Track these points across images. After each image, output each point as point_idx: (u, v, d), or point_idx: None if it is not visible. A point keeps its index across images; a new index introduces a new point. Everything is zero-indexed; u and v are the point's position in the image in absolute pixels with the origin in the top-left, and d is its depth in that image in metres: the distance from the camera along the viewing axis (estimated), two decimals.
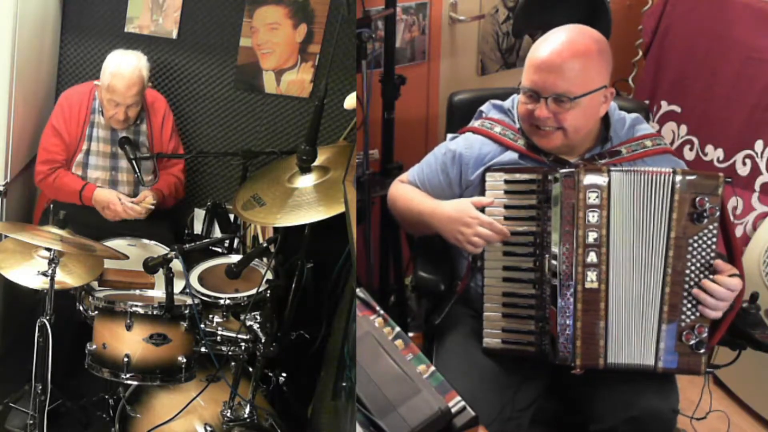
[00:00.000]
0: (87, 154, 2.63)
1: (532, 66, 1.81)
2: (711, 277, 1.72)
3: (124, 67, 2.50)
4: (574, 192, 1.73)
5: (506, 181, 1.86)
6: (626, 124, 1.95)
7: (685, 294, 1.73)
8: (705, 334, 1.73)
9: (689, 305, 1.74)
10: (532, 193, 1.83)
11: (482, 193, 1.90)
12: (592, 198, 1.73)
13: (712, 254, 1.73)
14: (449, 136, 2.07)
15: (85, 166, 2.64)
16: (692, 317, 1.73)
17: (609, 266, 1.74)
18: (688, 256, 1.73)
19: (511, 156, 1.92)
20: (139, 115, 2.63)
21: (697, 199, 1.70)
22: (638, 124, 1.97)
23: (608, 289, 1.74)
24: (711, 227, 1.71)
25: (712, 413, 2.19)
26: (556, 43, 1.78)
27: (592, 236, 1.73)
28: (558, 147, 1.87)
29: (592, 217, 1.73)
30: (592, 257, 1.73)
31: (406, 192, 2.09)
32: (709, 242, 1.72)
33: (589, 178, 1.73)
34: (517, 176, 1.86)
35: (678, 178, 1.72)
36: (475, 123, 2.03)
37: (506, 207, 1.85)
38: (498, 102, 2.05)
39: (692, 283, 1.73)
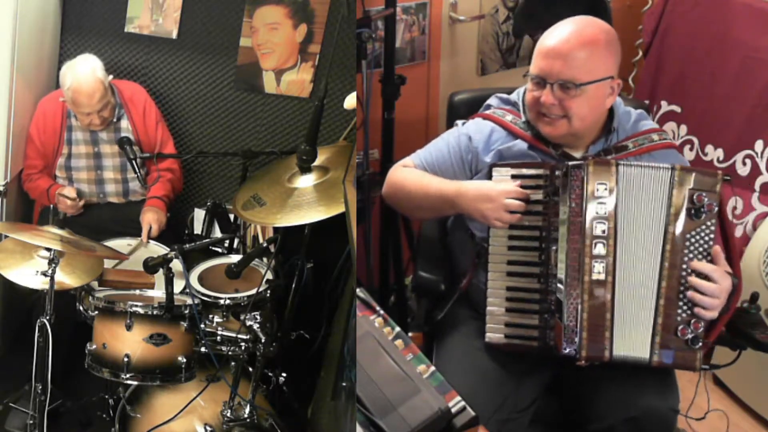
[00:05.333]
0: (68, 157, 2.65)
1: (540, 53, 1.82)
2: (699, 266, 1.73)
3: (80, 79, 2.49)
4: (583, 184, 1.74)
5: (513, 176, 1.86)
6: (632, 119, 1.96)
7: (681, 288, 1.74)
8: (701, 330, 1.73)
9: (685, 299, 1.74)
10: (539, 188, 1.83)
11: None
12: (601, 190, 1.74)
13: (709, 250, 1.74)
14: (459, 122, 2.07)
15: (68, 169, 2.66)
16: (688, 312, 1.74)
17: (616, 258, 1.74)
18: (685, 251, 1.74)
19: (520, 146, 1.92)
20: (117, 112, 2.63)
21: (695, 195, 1.72)
22: (643, 119, 1.97)
23: (615, 281, 1.75)
24: (708, 223, 1.73)
25: (713, 413, 2.20)
26: (564, 32, 1.80)
27: (600, 228, 1.74)
28: (563, 135, 1.86)
29: (600, 209, 1.74)
30: (599, 249, 1.74)
31: (417, 175, 2.03)
32: (706, 238, 1.73)
33: (597, 171, 1.74)
34: (524, 171, 1.85)
35: (677, 173, 1.73)
36: (486, 111, 2.03)
37: None
38: (504, 95, 2.05)
39: (689, 277, 1.74)
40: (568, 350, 1.76)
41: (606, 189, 1.74)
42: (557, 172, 1.79)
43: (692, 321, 1.73)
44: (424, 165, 2.04)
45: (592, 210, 1.74)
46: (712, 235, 1.73)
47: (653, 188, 1.74)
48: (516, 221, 1.83)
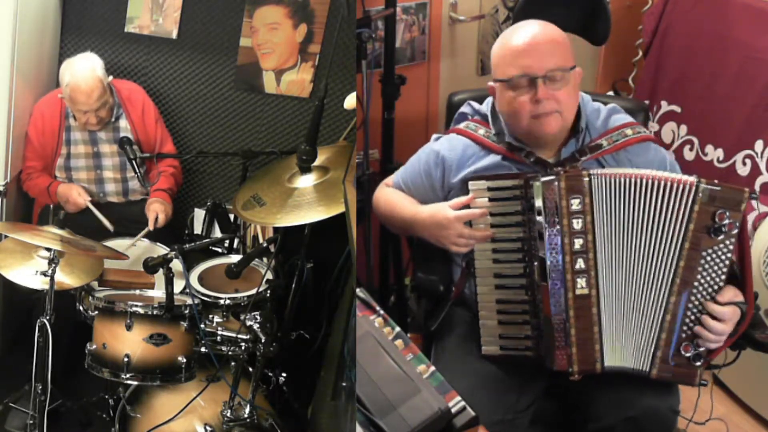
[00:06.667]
0: (68, 158, 2.65)
1: (512, 55, 1.80)
2: (710, 307, 1.71)
3: (78, 77, 2.48)
4: (556, 200, 1.71)
5: (489, 189, 1.83)
6: (602, 115, 1.93)
7: (690, 306, 1.72)
8: (703, 348, 1.73)
9: (692, 317, 1.72)
10: (516, 199, 1.80)
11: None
12: (575, 204, 1.71)
13: (724, 269, 1.70)
14: (434, 136, 2.07)
15: (67, 169, 2.66)
16: (693, 329, 1.72)
17: (597, 271, 1.73)
18: (699, 269, 1.70)
19: (493, 159, 1.90)
20: (115, 112, 2.63)
21: (718, 212, 1.67)
22: (615, 114, 1.94)
23: (599, 294, 1.73)
24: (727, 242, 1.68)
25: (714, 414, 2.20)
26: (528, 32, 1.81)
27: (578, 243, 1.72)
28: (555, 133, 1.84)
29: (577, 224, 1.71)
30: (580, 264, 1.72)
31: (388, 196, 2.09)
32: (723, 257, 1.69)
33: (569, 185, 1.71)
34: (500, 183, 1.82)
35: (702, 187, 1.67)
36: (460, 125, 2.02)
37: (492, 215, 1.83)
38: (476, 104, 2.05)
39: (699, 296, 1.71)
40: (559, 365, 1.76)
41: (580, 203, 1.71)
42: (532, 183, 1.75)
43: (696, 339, 1.72)
44: (400, 184, 2.08)
45: (568, 225, 1.71)
46: (729, 255, 1.69)
47: (664, 199, 1.70)
48: (478, 242, 1.83)
